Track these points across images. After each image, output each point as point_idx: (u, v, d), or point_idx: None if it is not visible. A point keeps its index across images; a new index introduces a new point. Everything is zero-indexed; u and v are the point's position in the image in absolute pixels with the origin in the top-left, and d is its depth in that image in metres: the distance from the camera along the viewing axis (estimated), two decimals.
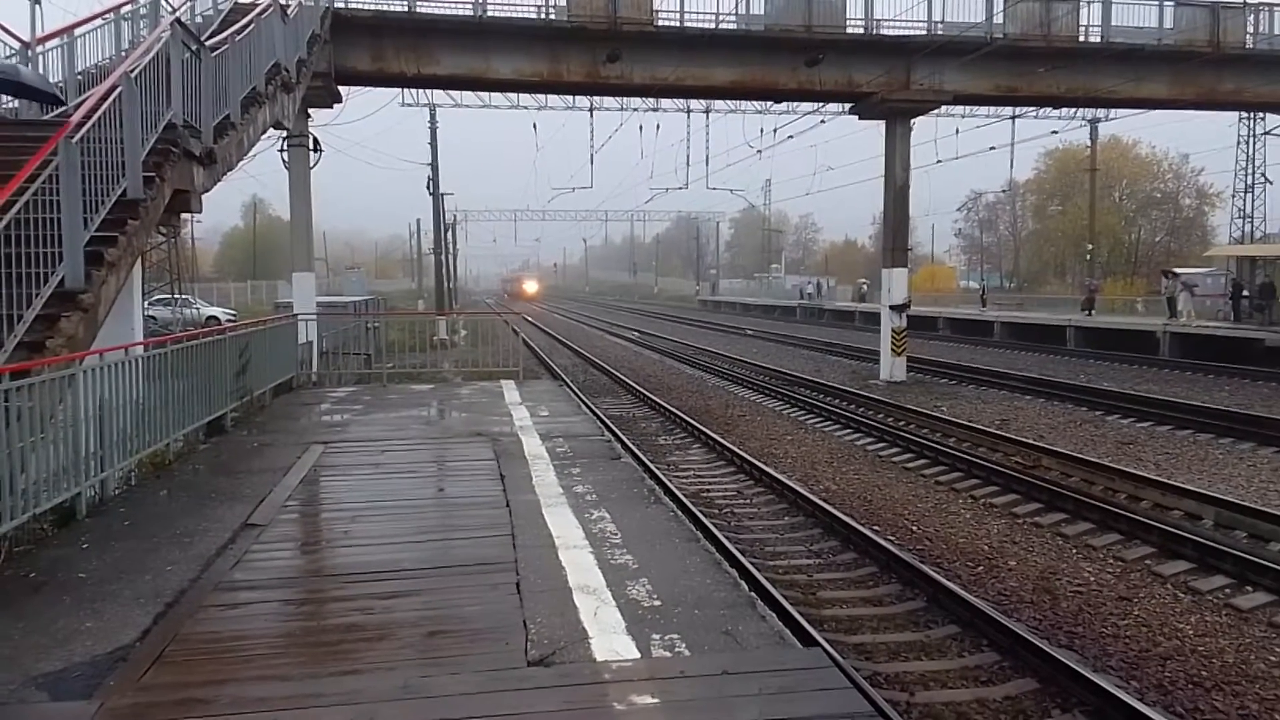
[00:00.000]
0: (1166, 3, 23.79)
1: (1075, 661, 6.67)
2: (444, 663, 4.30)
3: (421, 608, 5.01)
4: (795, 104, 30.15)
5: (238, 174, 13.56)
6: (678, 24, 22.07)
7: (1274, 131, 41.58)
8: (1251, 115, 41.16)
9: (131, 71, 8.09)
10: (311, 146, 20.80)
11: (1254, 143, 44.08)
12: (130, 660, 4.38)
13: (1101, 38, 23.59)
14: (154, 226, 9.18)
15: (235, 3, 16.35)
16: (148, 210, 8.28)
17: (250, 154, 13.79)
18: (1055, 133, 41.42)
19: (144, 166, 8.23)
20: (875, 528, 10.37)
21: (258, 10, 13.22)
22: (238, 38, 11.49)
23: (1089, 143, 48.74)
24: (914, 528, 10.63)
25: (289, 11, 15.09)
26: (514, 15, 21.37)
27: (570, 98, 31.42)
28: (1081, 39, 23.61)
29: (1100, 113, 40.83)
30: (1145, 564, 9.19)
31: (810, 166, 46.18)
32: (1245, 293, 31.18)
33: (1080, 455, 13.60)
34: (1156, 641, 7.39)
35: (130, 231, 7.89)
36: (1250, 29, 24.42)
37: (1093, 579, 8.84)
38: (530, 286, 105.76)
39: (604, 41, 21.83)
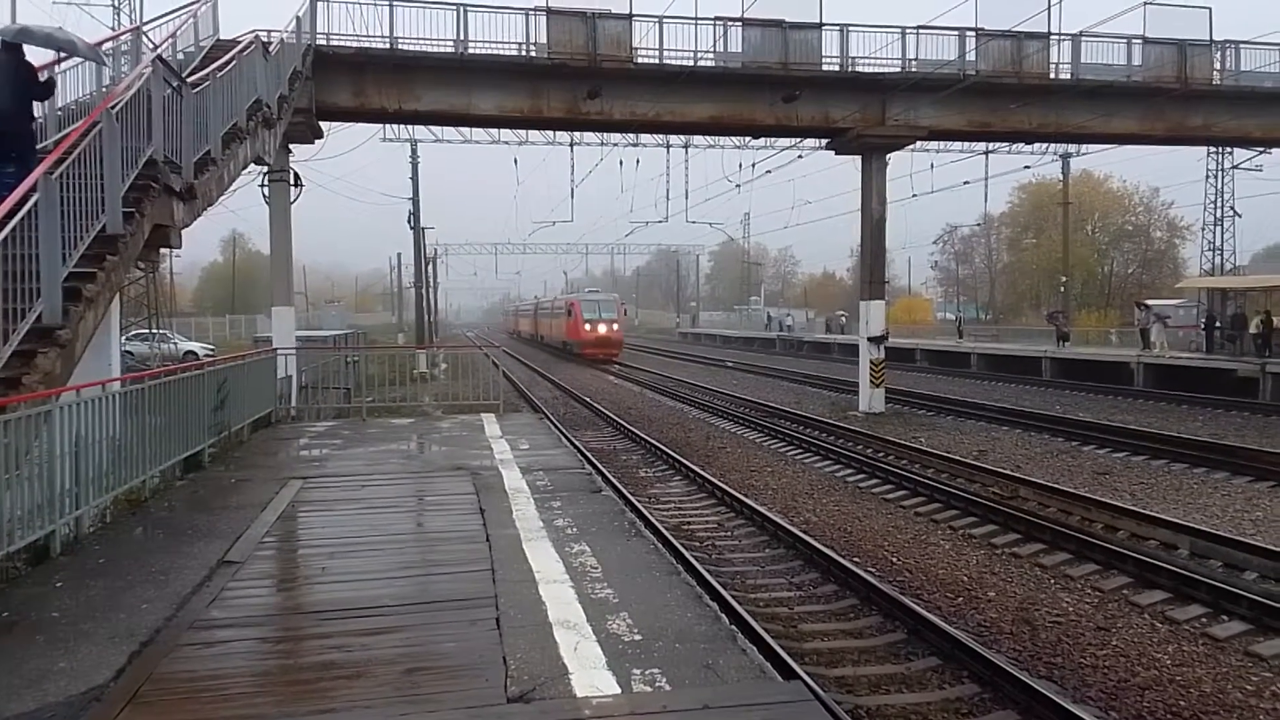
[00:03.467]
0: (1135, 40, 24.35)
1: (1055, 693, 6.69)
2: (423, 700, 4.27)
3: (400, 645, 4.98)
4: (773, 139, 30.48)
5: (218, 208, 13.55)
6: (657, 61, 22.37)
7: (1242, 165, 42.36)
8: (1220, 149, 41.95)
9: (112, 108, 8.12)
10: (292, 181, 20.83)
11: (1222, 176, 44.90)
12: (104, 700, 4.32)
13: (1071, 75, 24.10)
14: (133, 262, 9.17)
15: (217, 39, 16.47)
16: (127, 246, 8.27)
17: (231, 189, 13.82)
18: (1028, 167, 42.09)
19: (124, 202, 8.24)
20: (855, 559, 10.40)
21: (239, 47, 13.32)
22: (219, 74, 11.56)
23: (1061, 177, 49.52)
24: (894, 559, 10.66)
25: (271, 49, 15.20)
26: (495, 53, 21.59)
27: (551, 133, 31.65)
28: (1052, 76, 24.11)
29: (1072, 147, 41.55)
30: (1123, 594, 9.26)
31: (789, 200, 46.68)
32: (1218, 324, 31.65)
33: (1057, 485, 13.72)
34: (1135, 671, 7.43)
35: (109, 267, 7.88)
36: (1217, 66, 25.03)
37: (1071, 609, 8.89)
38: (606, 327, 48.70)
39: (584, 78, 22.09)
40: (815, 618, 8.73)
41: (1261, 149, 32.60)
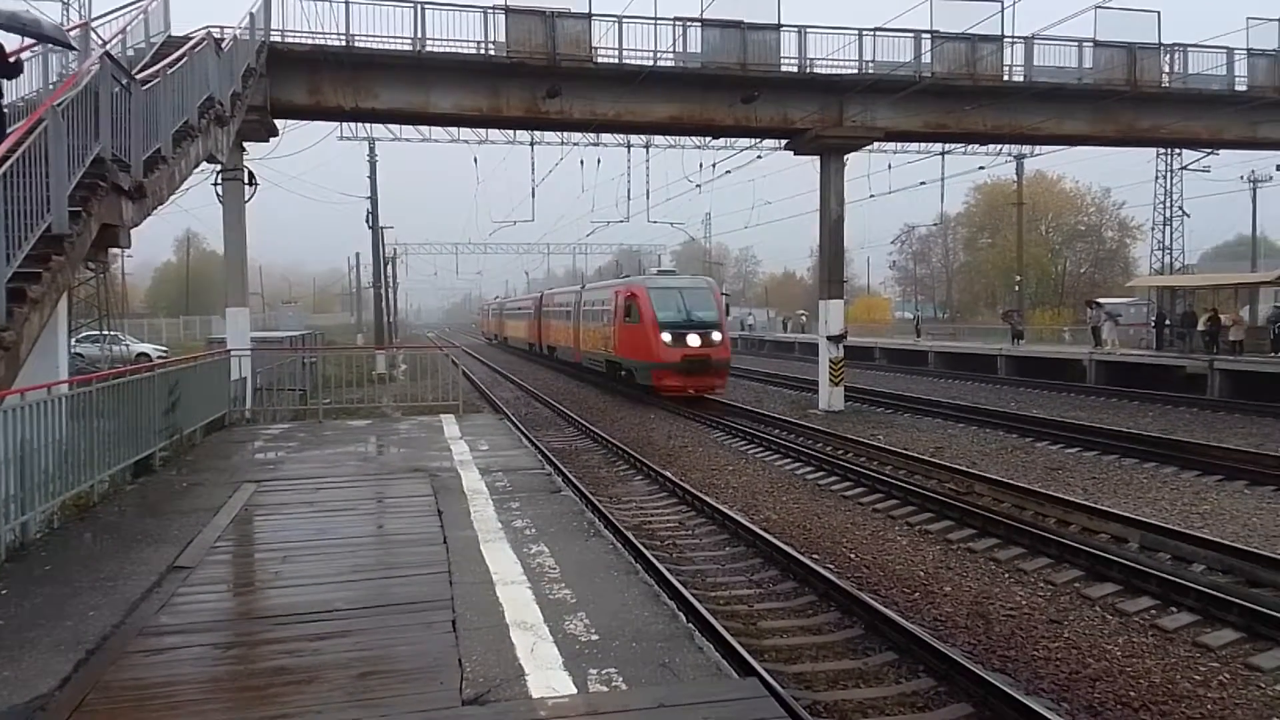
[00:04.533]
0: (1086, 43, 24.81)
1: (1008, 685, 6.79)
2: (375, 705, 4.22)
3: (354, 649, 4.93)
4: (733, 139, 30.65)
5: (171, 208, 13.34)
6: (617, 61, 22.36)
7: (1190, 166, 43.37)
8: (1169, 151, 42.90)
9: (58, 105, 7.94)
10: (246, 180, 20.52)
11: (1171, 177, 45.94)
12: (49, 709, 4.23)
13: (1025, 77, 24.49)
14: (81, 262, 8.97)
15: (168, 36, 16.17)
16: (74, 245, 8.08)
17: (182, 188, 13.58)
18: (983, 168, 42.71)
19: (70, 201, 8.05)
20: (814, 556, 10.47)
21: (191, 44, 13.10)
22: (169, 71, 11.35)
23: (1016, 177, 50.33)
24: (852, 555, 10.76)
25: (223, 45, 14.96)
26: (453, 51, 21.44)
27: (511, 132, 31.53)
28: (1006, 78, 24.47)
29: (1026, 148, 42.22)
30: (1074, 587, 9.43)
31: (749, 200, 46.83)
32: (1167, 322, 32.37)
33: (1011, 481, 13.94)
34: (1086, 663, 7.57)
35: (55, 268, 7.69)
36: (1166, 68, 25.59)
37: (1024, 602, 9.04)
38: (702, 339, 26.79)
39: (544, 77, 22.02)
40: (774, 614, 8.78)
41: (1208, 150, 33.40)
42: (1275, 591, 8.96)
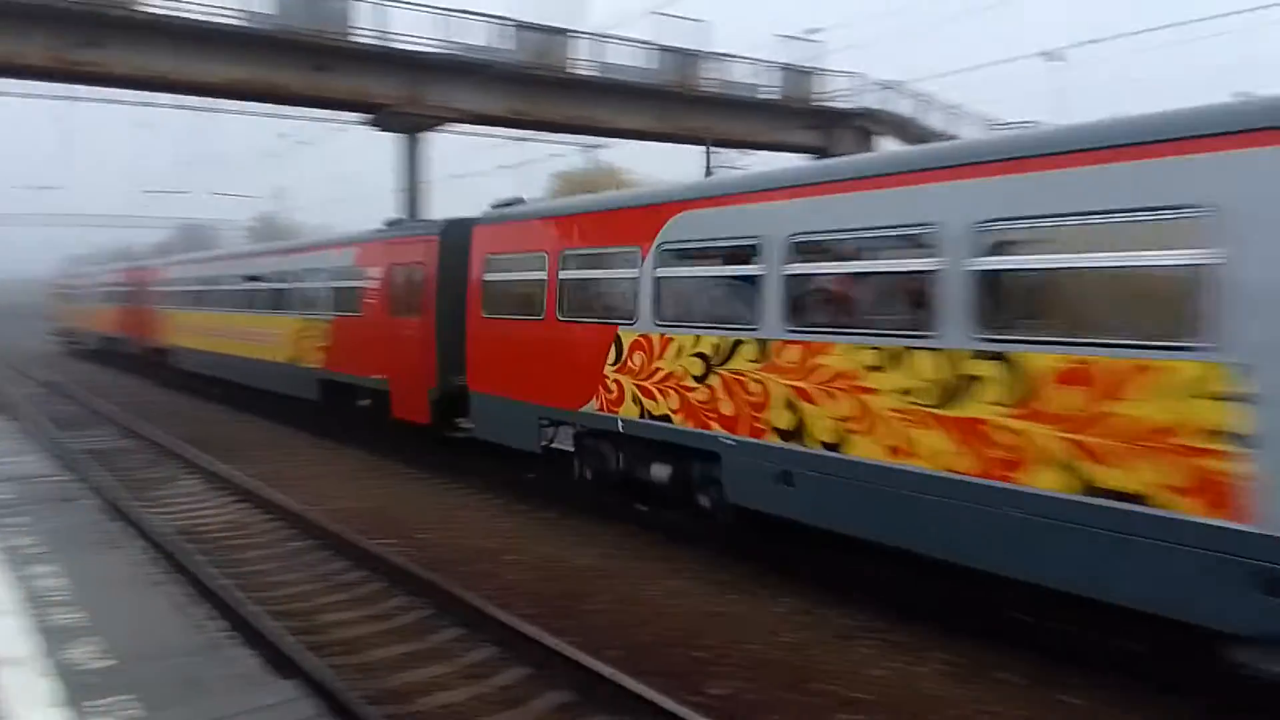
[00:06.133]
0: (645, 45, 27.22)
1: (564, 643, 7.17)
2: None
3: None
4: (312, 109, 29.07)
5: None
6: (171, 13, 20.14)
7: (727, 167, 49.27)
8: (710, 149, 48.36)
9: None
10: None
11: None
12: None
13: (597, 73, 26.23)
14: None
15: None
16: None
17: None
18: (556, 155, 45.01)
19: None
20: (389, 542, 10.30)
21: None
22: None
23: (589, 167, 53.73)
24: (425, 536, 10.78)
25: None
26: None
27: (36, 84, 26.91)
28: (581, 73, 26.01)
29: (601, 140, 45.16)
30: (628, 544, 10.31)
31: (332, 173, 44.93)
32: None
33: None
34: (632, 611, 8.29)
35: None
36: (716, 75, 28.94)
37: (585, 564, 9.70)
38: None
39: (80, 24, 19.16)
40: (339, 607, 8.49)
41: (743, 150, 38.21)
42: None
